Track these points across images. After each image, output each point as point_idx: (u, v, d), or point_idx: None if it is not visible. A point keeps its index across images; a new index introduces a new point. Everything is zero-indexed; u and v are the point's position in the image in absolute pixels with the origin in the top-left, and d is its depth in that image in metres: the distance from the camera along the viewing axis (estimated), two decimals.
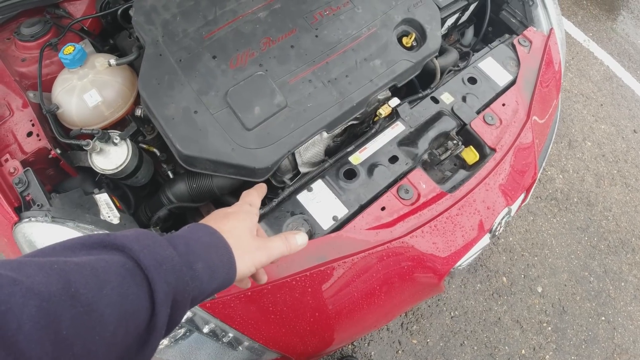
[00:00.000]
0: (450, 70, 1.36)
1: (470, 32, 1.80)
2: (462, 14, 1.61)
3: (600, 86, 3.27)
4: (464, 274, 2.26)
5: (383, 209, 1.03)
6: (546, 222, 2.55)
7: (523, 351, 2.17)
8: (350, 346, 1.96)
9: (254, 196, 0.75)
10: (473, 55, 1.41)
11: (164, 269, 0.47)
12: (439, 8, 1.38)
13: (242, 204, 0.71)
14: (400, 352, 2.00)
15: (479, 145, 1.19)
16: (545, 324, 2.26)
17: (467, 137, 1.21)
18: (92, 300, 0.40)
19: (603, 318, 2.40)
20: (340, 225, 1.01)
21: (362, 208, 1.04)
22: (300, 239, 0.69)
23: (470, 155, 1.16)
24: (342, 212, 1.02)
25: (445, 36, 1.68)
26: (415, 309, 2.11)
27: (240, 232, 0.62)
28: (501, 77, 1.35)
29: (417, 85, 1.42)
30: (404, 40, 1.26)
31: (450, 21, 1.57)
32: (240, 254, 0.59)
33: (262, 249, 0.63)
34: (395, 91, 1.26)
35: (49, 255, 0.44)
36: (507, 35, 1.53)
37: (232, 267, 0.57)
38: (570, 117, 3.01)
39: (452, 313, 2.15)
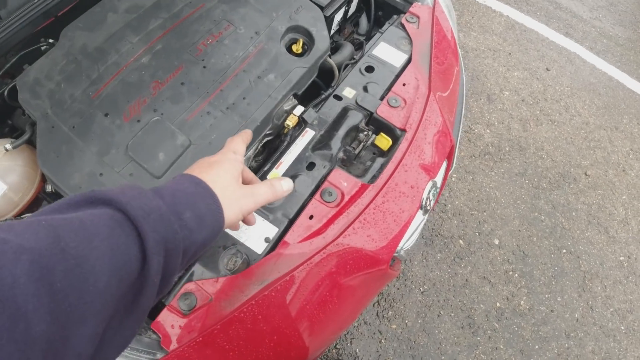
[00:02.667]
0: (347, 65, 1.39)
1: (364, 21, 1.84)
2: (349, 5, 1.64)
3: (505, 36, 3.42)
4: (422, 248, 2.31)
5: (311, 217, 1.04)
6: (486, 177, 2.64)
7: (498, 304, 2.24)
8: (334, 350, 1.97)
9: (238, 143, 0.75)
10: (366, 44, 1.45)
11: (152, 219, 0.48)
12: (322, 7, 1.41)
13: (226, 152, 0.71)
14: (383, 340, 2.03)
15: (389, 129, 1.22)
16: (511, 273, 2.34)
17: (377, 124, 1.23)
18: (82, 252, 0.41)
19: (564, 250, 2.50)
20: (274, 244, 1.02)
21: (291, 222, 1.04)
22: (285, 184, 0.72)
23: (383, 141, 1.19)
24: (273, 231, 1.03)
25: (339, 31, 1.72)
26: (385, 295, 2.14)
27: (226, 180, 0.63)
28: (397, 58, 1.39)
29: (322, 86, 1.44)
30: (294, 47, 1.28)
31: (338, 16, 1.60)
32: (227, 202, 0.60)
33: (248, 196, 0.65)
34: (307, 96, 1.27)
35: (37, 216, 0.44)
36: (395, 17, 1.57)
37: (220, 215, 0.58)
38: (483, 73, 3.13)
39: (421, 288, 2.19)
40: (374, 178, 1.13)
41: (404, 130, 1.21)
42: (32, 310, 0.35)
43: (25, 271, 0.36)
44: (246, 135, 0.79)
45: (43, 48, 1.23)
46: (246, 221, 0.76)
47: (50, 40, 1.24)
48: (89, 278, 0.40)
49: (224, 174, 0.64)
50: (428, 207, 1.20)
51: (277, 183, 0.71)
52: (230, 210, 0.60)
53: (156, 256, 0.47)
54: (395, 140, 1.21)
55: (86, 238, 0.42)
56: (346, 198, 1.08)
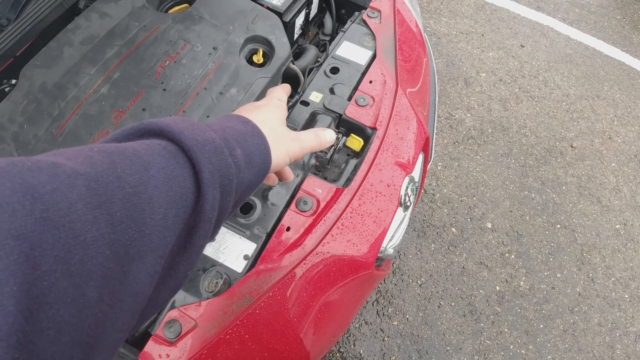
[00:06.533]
0: (312, 68, 1.38)
1: (328, 21, 1.82)
2: (309, 8, 1.62)
3: (476, 18, 3.41)
4: (415, 241, 2.29)
5: (288, 229, 1.03)
6: (471, 161, 2.63)
7: (497, 287, 2.23)
8: (337, 354, 1.95)
9: (280, 92, 0.74)
10: (330, 44, 1.43)
11: (207, 150, 0.45)
12: (280, 14, 1.39)
13: (270, 98, 0.70)
14: (386, 338, 2.02)
15: (360, 129, 1.20)
16: (507, 254, 2.33)
17: (347, 126, 1.22)
18: (140, 181, 0.38)
19: (558, 226, 2.49)
20: (254, 261, 1.00)
21: (269, 236, 1.03)
22: (329, 135, 0.72)
23: (354, 142, 1.17)
24: (251, 248, 1.01)
25: (303, 34, 1.70)
26: (383, 292, 2.13)
27: (274, 122, 0.62)
28: (361, 56, 1.38)
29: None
30: (255, 58, 1.26)
31: (300, 20, 1.58)
32: (275, 144, 0.58)
33: (296, 140, 0.64)
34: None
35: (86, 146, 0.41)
36: (356, 13, 1.56)
37: (268, 155, 0.56)
38: (457, 57, 3.12)
39: (418, 281, 2.18)
40: (349, 181, 1.11)
41: (374, 129, 1.19)
42: (91, 239, 0.31)
43: (81, 197, 0.32)
44: (287, 87, 0.79)
45: (7, 90, 1.22)
46: (284, 177, 0.74)
47: (13, 81, 1.23)
48: (146, 209, 0.37)
49: (272, 115, 0.63)
50: (408, 204, 1.19)
51: (322, 132, 0.70)
52: (278, 152, 0.59)
53: (211, 190, 0.44)
54: (367, 139, 1.19)
55: (142, 166, 0.39)
56: (322, 205, 1.06)
